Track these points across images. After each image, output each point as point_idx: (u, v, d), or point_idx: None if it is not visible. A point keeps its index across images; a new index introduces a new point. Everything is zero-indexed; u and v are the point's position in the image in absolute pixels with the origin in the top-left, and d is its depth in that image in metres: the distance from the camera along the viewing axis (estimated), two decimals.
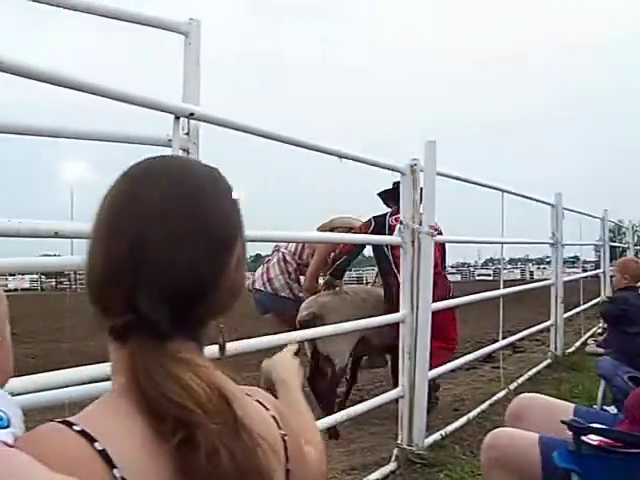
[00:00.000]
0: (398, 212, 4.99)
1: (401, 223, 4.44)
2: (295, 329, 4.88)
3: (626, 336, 5.51)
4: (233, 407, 0.93)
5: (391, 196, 5.94)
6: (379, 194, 6.31)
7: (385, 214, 5.98)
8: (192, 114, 2.90)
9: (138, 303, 0.91)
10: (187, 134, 2.99)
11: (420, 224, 4.48)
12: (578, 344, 9.56)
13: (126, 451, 0.86)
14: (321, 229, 6.28)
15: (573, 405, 2.95)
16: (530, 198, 7.63)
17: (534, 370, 7.58)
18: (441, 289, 5.50)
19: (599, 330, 10.16)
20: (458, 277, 57.53)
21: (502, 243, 7.41)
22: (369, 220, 5.90)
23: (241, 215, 1.05)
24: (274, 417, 1.08)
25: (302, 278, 6.66)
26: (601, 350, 8.55)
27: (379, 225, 5.72)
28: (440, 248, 6.13)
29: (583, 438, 2.22)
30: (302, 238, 4.18)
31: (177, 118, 2.83)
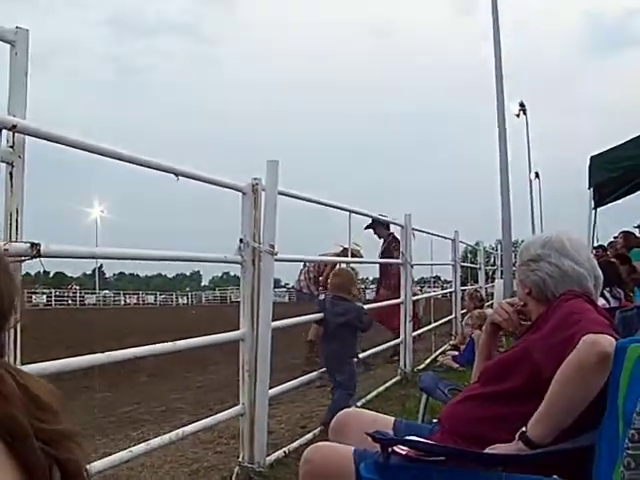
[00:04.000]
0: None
1: (241, 241, 4.46)
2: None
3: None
4: None
5: (377, 228, 10.39)
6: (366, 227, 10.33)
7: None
8: (14, 126, 2.82)
9: None
10: (12, 147, 2.92)
11: (261, 243, 4.53)
12: (428, 361, 9.84)
13: None
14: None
15: (393, 418, 3.04)
16: (377, 219, 7.84)
17: (382, 387, 7.74)
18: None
19: (449, 347, 10.53)
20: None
21: (349, 262, 7.55)
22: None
23: (18, 287, 1.08)
24: None
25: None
26: (456, 365, 8.88)
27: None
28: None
29: (394, 448, 2.30)
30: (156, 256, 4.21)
31: None
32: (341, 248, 9.30)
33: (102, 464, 3.42)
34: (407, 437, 2.55)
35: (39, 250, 2.84)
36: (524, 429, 2.24)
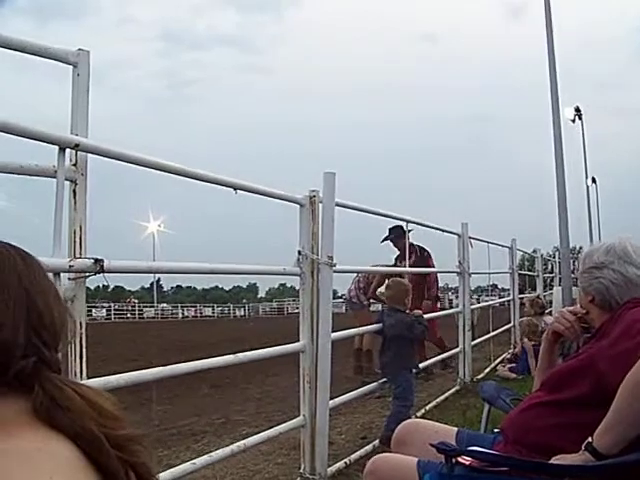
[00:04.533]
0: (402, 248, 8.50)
1: (299, 253, 4.49)
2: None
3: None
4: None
5: (394, 239, 9.39)
6: (383, 240, 9.70)
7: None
8: (77, 145, 2.89)
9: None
10: (75, 165, 2.99)
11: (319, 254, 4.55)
12: (488, 370, 9.74)
13: None
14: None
15: (456, 429, 3.03)
16: (434, 228, 7.79)
17: (442, 397, 7.69)
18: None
19: (508, 356, 10.39)
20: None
21: (407, 273, 7.51)
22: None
23: (69, 311, 1.24)
24: None
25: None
26: (513, 375, 8.77)
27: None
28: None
29: (458, 459, 2.29)
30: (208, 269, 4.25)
31: (62, 149, 2.83)
32: None
33: (165, 477, 3.46)
34: (470, 447, 2.53)
35: (102, 266, 2.90)
36: (590, 439, 2.21)
